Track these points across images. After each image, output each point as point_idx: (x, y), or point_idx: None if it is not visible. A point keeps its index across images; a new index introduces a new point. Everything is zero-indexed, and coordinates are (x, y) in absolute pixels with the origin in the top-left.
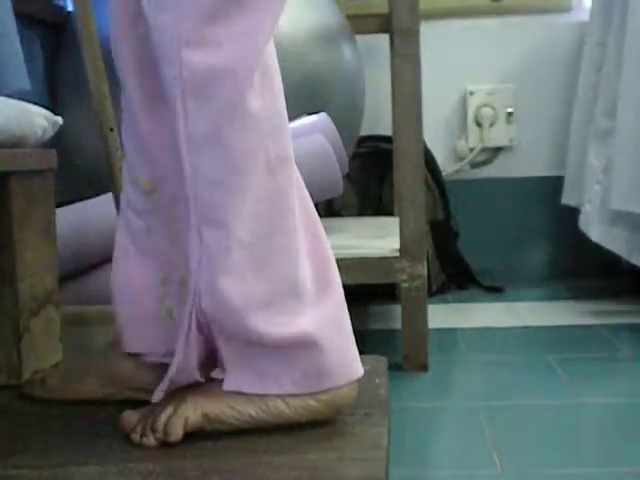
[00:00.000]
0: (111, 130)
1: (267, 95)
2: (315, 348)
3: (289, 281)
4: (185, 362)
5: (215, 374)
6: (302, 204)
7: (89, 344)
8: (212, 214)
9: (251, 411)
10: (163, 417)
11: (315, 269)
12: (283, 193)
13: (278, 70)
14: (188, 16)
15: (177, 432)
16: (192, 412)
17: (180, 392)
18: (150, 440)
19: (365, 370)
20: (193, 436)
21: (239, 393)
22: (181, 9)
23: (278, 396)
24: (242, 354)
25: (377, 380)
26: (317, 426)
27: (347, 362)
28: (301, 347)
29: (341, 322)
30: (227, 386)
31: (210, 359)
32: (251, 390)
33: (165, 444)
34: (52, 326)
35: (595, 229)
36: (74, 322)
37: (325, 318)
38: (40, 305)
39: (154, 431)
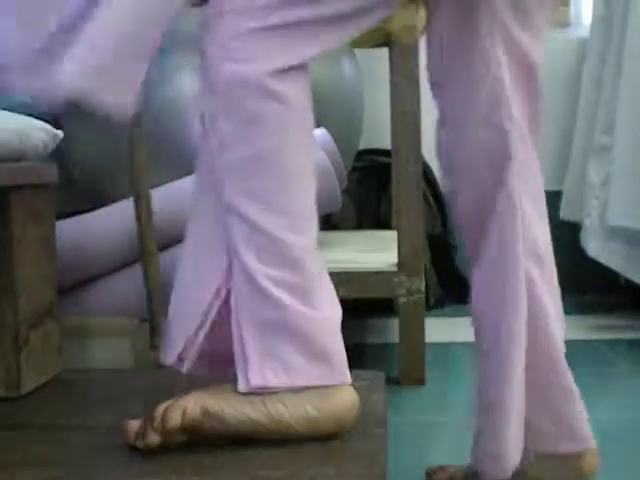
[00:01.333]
0: None
1: None
2: (315, 341)
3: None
4: None
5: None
6: None
7: (89, 356)
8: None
9: (250, 412)
10: (161, 407)
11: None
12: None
13: None
14: None
15: (175, 419)
16: (192, 404)
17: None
18: (151, 438)
19: (363, 385)
20: (193, 451)
21: (242, 394)
22: None
23: (279, 400)
24: (249, 348)
25: (375, 396)
26: (315, 442)
27: (343, 366)
28: (301, 335)
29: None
30: (239, 385)
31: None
32: (256, 384)
33: (164, 451)
34: (51, 339)
35: (592, 244)
36: (74, 334)
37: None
38: (39, 318)
39: (152, 421)
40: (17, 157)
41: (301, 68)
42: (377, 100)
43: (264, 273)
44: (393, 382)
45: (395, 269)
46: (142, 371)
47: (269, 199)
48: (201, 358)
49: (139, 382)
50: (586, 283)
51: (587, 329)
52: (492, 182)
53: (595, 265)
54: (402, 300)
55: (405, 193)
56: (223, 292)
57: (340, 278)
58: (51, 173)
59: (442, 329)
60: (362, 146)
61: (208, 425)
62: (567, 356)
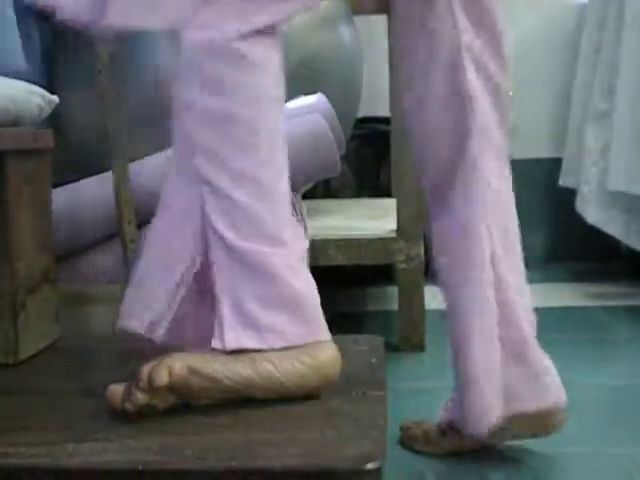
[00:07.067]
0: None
1: None
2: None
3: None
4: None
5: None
6: None
7: (87, 323)
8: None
9: (240, 370)
10: (147, 367)
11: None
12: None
13: None
14: None
15: (162, 378)
16: (178, 363)
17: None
18: (138, 397)
19: (362, 350)
20: (191, 412)
21: (229, 353)
22: None
23: (265, 358)
24: (225, 311)
25: (374, 360)
26: (315, 405)
27: (321, 323)
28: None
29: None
30: (213, 344)
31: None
32: (231, 345)
33: (162, 413)
34: (48, 305)
35: (591, 211)
36: (72, 301)
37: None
38: (36, 284)
39: (138, 381)
40: (12, 122)
41: (268, 34)
42: (377, 68)
43: (240, 243)
44: (392, 349)
45: (394, 235)
46: (141, 336)
47: (240, 168)
48: (176, 326)
49: (137, 347)
50: (586, 250)
51: (587, 296)
52: (454, 149)
53: (595, 232)
54: (401, 266)
55: (404, 160)
56: (198, 260)
57: (339, 245)
58: (47, 138)
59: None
60: (361, 114)
61: (197, 384)
62: (567, 323)
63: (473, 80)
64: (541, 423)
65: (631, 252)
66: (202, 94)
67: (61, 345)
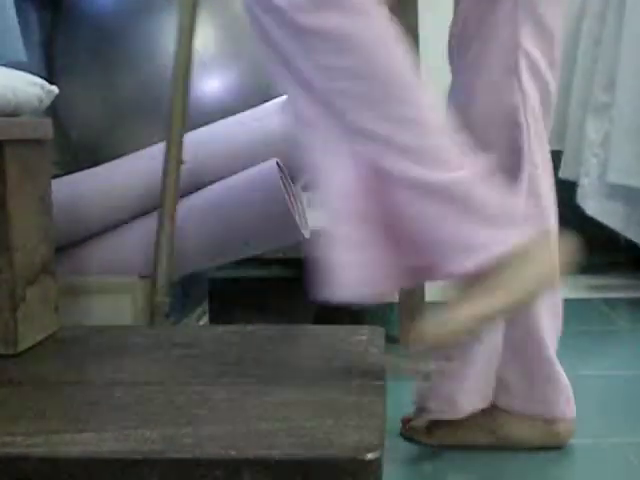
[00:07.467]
0: None
1: None
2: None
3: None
4: None
5: None
6: None
7: (86, 314)
8: None
9: (493, 298)
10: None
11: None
12: None
13: None
14: None
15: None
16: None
17: None
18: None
19: (362, 340)
20: (188, 403)
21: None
22: None
23: (507, 274)
24: (445, 242)
25: (374, 349)
26: (314, 395)
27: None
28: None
29: None
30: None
31: None
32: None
33: (159, 403)
34: (48, 296)
35: (591, 203)
36: (72, 292)
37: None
38: (36, 274)
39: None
40: (11, 112)
41: None
42: None
43: (427, 176)
44: (393, 341)
45: None
46: (140, 327)
47: (393, 114)
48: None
49: (137, 338)
50: (586, 242)
51: (587, 288)
52: (500, 138)
53: (595, 224)
54: None
55: None
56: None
57: None
58: (46, 128)
59: (442, 288)
60: None
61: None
62: (567, 314)
63: (527, 80)
64: (543, 432)
65: (630, 244)
66: (333, 53)
67: (61, 336)
